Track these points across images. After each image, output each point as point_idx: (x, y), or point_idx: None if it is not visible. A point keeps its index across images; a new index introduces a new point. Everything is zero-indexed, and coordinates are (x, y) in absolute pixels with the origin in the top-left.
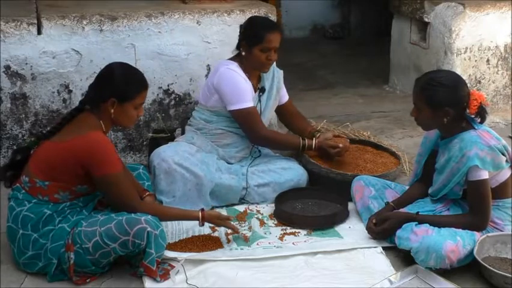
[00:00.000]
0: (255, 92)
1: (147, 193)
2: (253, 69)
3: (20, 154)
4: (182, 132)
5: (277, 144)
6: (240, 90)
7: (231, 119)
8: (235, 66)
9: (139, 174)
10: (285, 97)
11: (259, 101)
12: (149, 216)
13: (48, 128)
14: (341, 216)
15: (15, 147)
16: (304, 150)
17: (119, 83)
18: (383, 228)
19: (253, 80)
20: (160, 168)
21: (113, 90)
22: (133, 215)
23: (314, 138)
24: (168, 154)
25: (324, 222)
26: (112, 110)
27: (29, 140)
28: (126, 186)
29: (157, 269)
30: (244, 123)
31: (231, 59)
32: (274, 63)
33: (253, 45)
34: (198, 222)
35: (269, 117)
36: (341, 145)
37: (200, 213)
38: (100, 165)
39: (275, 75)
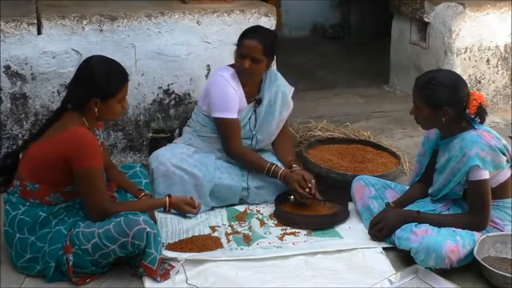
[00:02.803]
0: (249, 101)
1: (143, 193)
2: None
3: (10, 158)
4: (180, 134)
5: (247, 163)
6: (226, 99)
7: None
8: (229, 74)
9: (135, 172)
10: None
11: (254, 111)
12: (146, 216)
13: (35, 131)
14: (341, 216)
15: (15, 148)
16: (269, 175)
17: (99, 82)
18: (379, 228)
19: (249, 89)
20: (158, 171)
21: (94, 90)
22: (130, 215)
23: (287, 169)
24: (166, 157)
25: (324, 222)
26: (96, 109)
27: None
28: (102, 184)
29: (158, 269)
30: (223, 133)
31: (231, 65)
32: (283, 80)
33: (236, 50)
34: (197, 222)
35: (271, 133)
36: (308, 196)
37: (167, 199)
38: (82, 158)
39: (280, 90)
